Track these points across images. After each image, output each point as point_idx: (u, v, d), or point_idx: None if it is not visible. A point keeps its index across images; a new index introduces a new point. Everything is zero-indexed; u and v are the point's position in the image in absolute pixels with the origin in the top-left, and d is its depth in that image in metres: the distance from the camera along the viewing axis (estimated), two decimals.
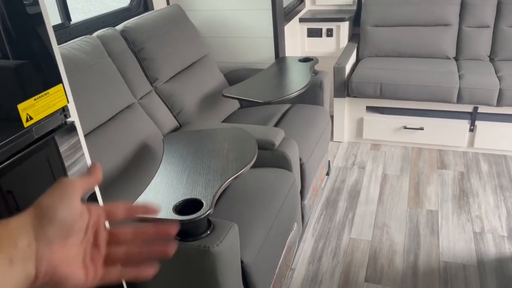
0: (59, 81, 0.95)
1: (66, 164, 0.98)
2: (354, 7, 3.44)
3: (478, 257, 2.03)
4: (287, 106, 2.46)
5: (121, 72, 1.91)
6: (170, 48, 2.24)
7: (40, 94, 0.90)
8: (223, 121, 2.37)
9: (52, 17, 0.96)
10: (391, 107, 2.98)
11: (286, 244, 1.80)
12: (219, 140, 1.71)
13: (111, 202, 0.49)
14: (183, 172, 1.44)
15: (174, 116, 2.16)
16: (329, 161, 2.72)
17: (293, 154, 1.90)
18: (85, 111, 1.59)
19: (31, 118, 0.88)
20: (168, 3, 2.64)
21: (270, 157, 1.87)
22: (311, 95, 2.44)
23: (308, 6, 3.56)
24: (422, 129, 2.92)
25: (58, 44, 1.02)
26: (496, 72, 2.83)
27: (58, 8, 1.95)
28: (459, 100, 2.75)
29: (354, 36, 3.45)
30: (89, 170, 0.48)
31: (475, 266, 1.97)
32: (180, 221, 1.21)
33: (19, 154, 0.87)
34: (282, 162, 1.87)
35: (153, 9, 2.48)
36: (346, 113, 3.08)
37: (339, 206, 2.45)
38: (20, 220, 0.40)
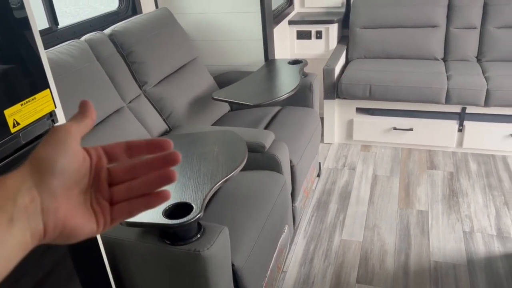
0: (46, 86, 0.94)
1: None
2: (343, 9, 3.46)
3: (468, 256, 2.05)
4: (277, 108, 2.47)
5: (109, 76, 1.90)
6: (159, 51, 2.23)
7: (27, 99, 0.89)
8: (213, 124, 2.37)
9: (39, 21, 0.96)
10: (380, 108, 3.00)
11: (277, 247, 1.80)
12: (209, 143, 1.71)
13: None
14: None
15: (164, 120, 2.16)
16: (319, 163, 2.73)
17: (284, 156, 1.91)
18: None
19: (18, 124, 0.88)
20: (156, 6, 2.63)
21: (261, 159, 1.87)
22: (301, 97, 2.45)
23: (297, 9, 3.58)
24: (411, 130, 2.94)
25: (46, 48, 1.02)
26: (484, 73, 2.86)
27: (45, 12, 1.94)
28: (448, 100, 2.78)
29: (344, 38, 3.47)
30: (81, 110, 0.43)
31: (465, 265, 1.99)
32: (170, 225, 1.21)
33: (6, 160, 0.86)
34: (272, 165, 1.87)
35: (141, 12, 2.47)
36: (336, 114, 3.09)
37: (330, 208, 2.46)
38: (18, 176, 0.38)
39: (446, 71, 2.93)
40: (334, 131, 3.14)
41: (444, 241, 2.15)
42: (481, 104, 2.73)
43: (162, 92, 2.19)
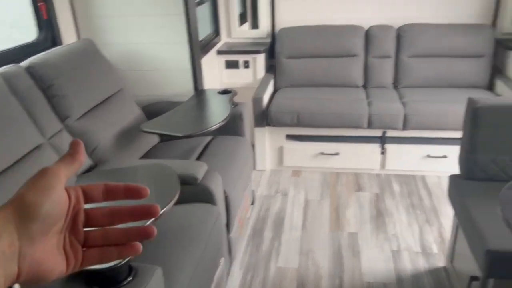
0: None
1: None
2: (269, 40, 3.57)
3: (397, 275, 2.13)
4: (208, 138, 2.45)
5: (27, 111, 1.78)
6: (81, 83, 2.14)
7: None
8: (142, 157, 2.30)
9: None
10: (308, 134, 3.10)
11: (214, 281, 1.76)
12: (138, 178, 1.64)
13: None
14: None
15: (88, 155, 2.05)
16: (253, 191, 2.74)
17: (217, 187, 1.89)
18: None
19: None
20: (79, 37, 2.53)
21: (194, 192, 1.83)
22: (232, 126, 2.46)
23: (224, 39, 3.63)
24: (337, 154, 3.06)
25: None
26: (400, 98, 3.08)
27: None
28: (370, 125, 2.94)
29: (271, 67, 3.57)
30: (71, 152, 0.44)
31: (395, 284, 2.07)
32: (99, 269, 1.13)
33: None
34: (206, 196, 1.84)
35: (62, 43, 2.36)
36: (267, 142, 3.14)
37: (265, 236, 2.46)
38: (0, 217, 0.37)
39: (367, 98, 3.11)
40: (265, 158, 3.18)
41: (375, 261, 2.23)
42: (400, 128, 2.92)
43: (86, 126, 2.09)
